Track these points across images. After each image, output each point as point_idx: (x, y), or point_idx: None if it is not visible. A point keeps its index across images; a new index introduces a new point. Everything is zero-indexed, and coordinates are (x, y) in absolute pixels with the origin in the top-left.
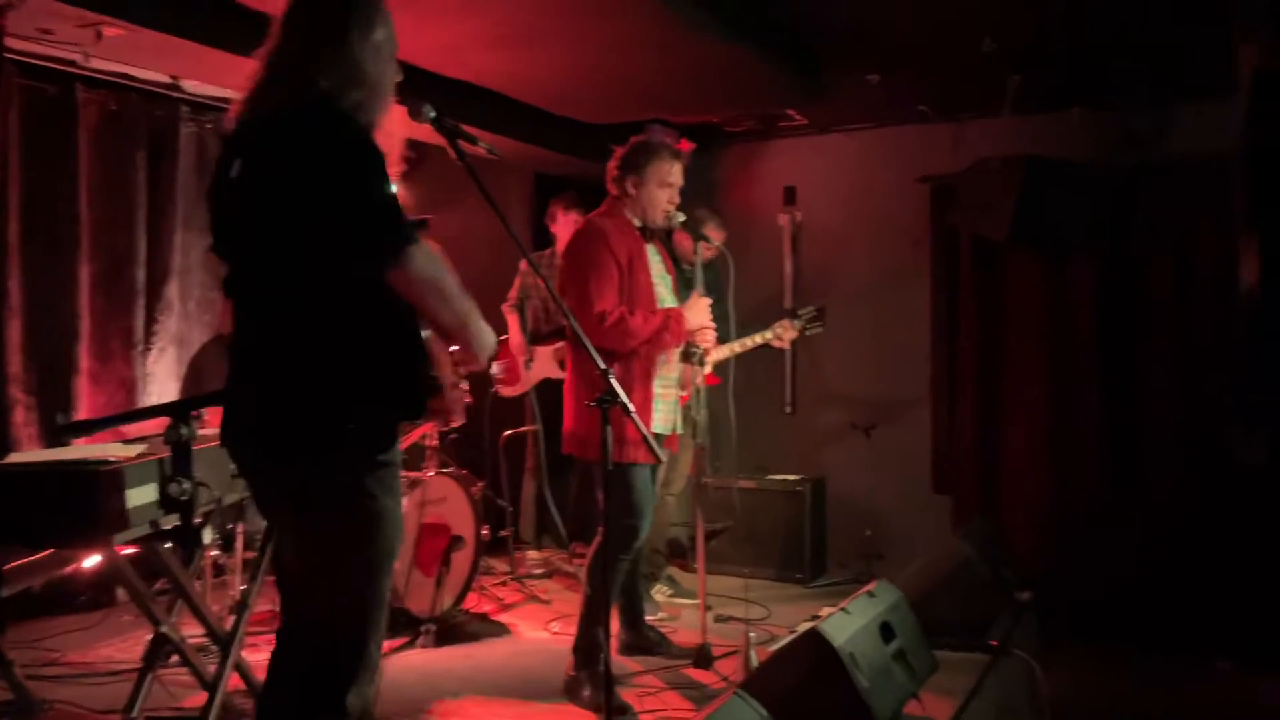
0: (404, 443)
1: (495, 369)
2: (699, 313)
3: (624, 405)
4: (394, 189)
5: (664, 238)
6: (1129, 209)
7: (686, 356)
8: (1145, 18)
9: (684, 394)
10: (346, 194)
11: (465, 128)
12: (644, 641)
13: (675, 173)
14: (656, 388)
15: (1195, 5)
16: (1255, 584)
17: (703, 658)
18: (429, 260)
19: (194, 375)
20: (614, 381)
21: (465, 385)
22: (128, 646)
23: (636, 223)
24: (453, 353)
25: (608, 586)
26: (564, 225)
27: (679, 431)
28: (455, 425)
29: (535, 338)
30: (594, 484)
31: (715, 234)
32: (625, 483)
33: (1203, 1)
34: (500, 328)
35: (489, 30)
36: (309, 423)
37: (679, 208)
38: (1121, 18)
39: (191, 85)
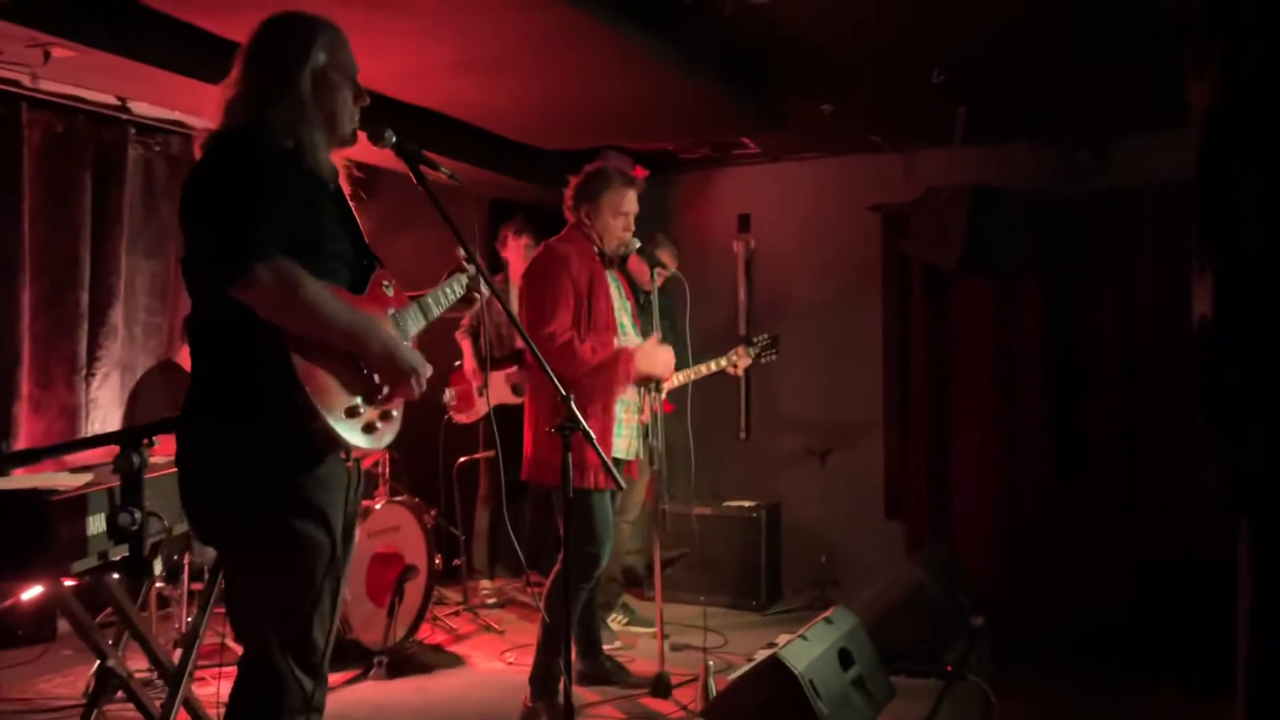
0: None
1: (448, 395)
2: (651, 360)
3: (585, 432)
4: (260, 209)
5: (621, 264)
6: (1074, 237)
7: (642, 382)
8: (1089, 54)
9: (641, 417)
10: (196, 213)
11: (426, 153)
12: (600, 671)
13: (629, 201)
14: (619, 412)
15: (1138, 43)
16: (1198, 609)
17: (661, 686)
18: (284, 278)
19: (135, 402)
20: (574, 408)
21: (384, 408)
22: (69, 681)
23: (597, 249)
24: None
25: (568, 615)
26: (514, 250)
27: (640, 457)
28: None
29: (489, 363)
30: (552, 510)
31: (670, 260)
32: (586, 509)
33: (1145, 40)
34: (455, 354)
35: (449, 57)
36: (207, 450)
37: (635, 234)
38: (1065, 53)
39: (140, 107)
